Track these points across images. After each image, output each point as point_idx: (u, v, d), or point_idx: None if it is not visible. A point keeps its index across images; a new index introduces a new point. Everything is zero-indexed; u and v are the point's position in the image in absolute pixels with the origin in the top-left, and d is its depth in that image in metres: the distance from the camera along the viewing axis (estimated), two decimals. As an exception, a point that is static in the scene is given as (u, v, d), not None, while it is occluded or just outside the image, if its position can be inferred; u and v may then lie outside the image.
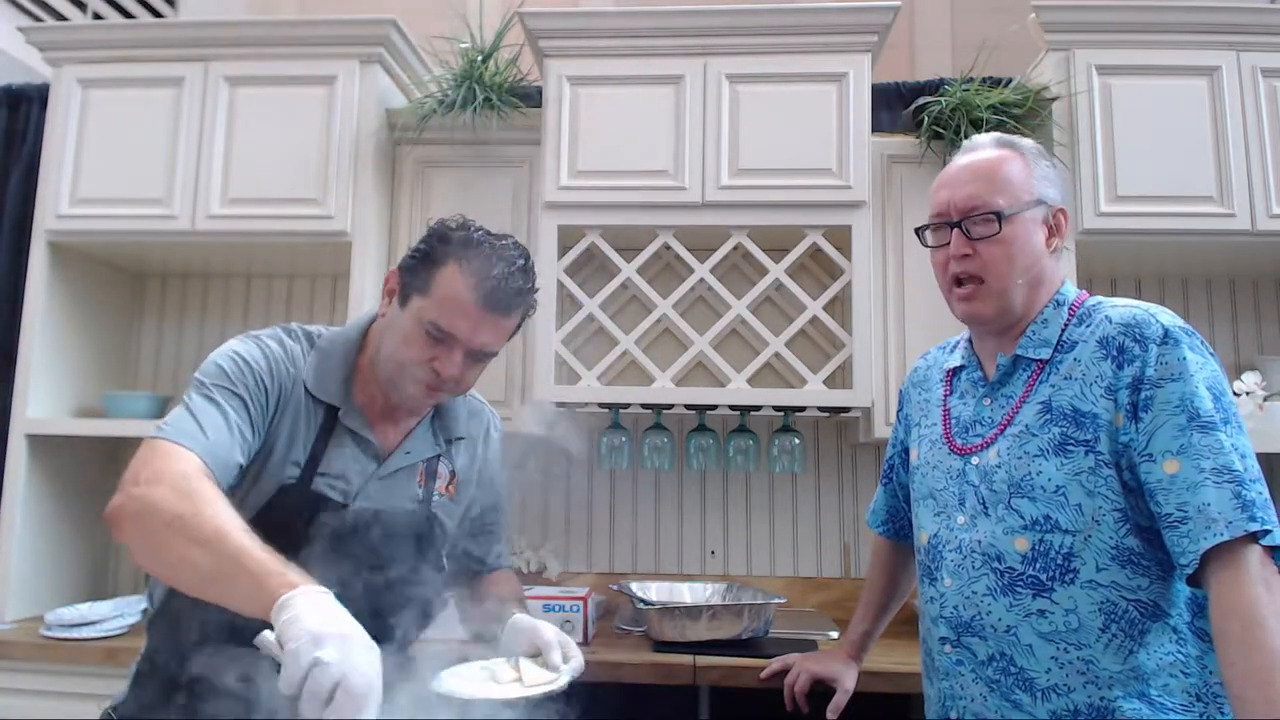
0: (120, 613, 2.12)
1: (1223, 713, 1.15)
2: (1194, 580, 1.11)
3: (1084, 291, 1.33)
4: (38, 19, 2.87)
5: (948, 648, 1.29)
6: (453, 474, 1.42)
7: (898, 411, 1.58)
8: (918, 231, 1.37)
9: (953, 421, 1.36)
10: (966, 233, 1.28)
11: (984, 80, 2.33)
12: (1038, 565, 1.20)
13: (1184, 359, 1.16)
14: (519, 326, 1.34)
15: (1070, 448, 1.20)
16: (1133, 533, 1.17)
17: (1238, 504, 1.08)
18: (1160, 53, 2.21)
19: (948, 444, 1.35)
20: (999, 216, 1.26)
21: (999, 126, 2.18)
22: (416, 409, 1.36)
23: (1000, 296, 1.28)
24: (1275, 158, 2.17)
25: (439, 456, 1.40)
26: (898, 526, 1.62)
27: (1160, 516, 1.13)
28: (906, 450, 1.53)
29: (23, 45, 2.51)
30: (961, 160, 1.35)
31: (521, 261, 1.29)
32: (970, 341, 1.41)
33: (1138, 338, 1.19)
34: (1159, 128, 2.19)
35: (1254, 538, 1.06)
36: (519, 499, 2.61)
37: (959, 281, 1.30)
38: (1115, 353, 1.20)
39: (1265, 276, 2.52)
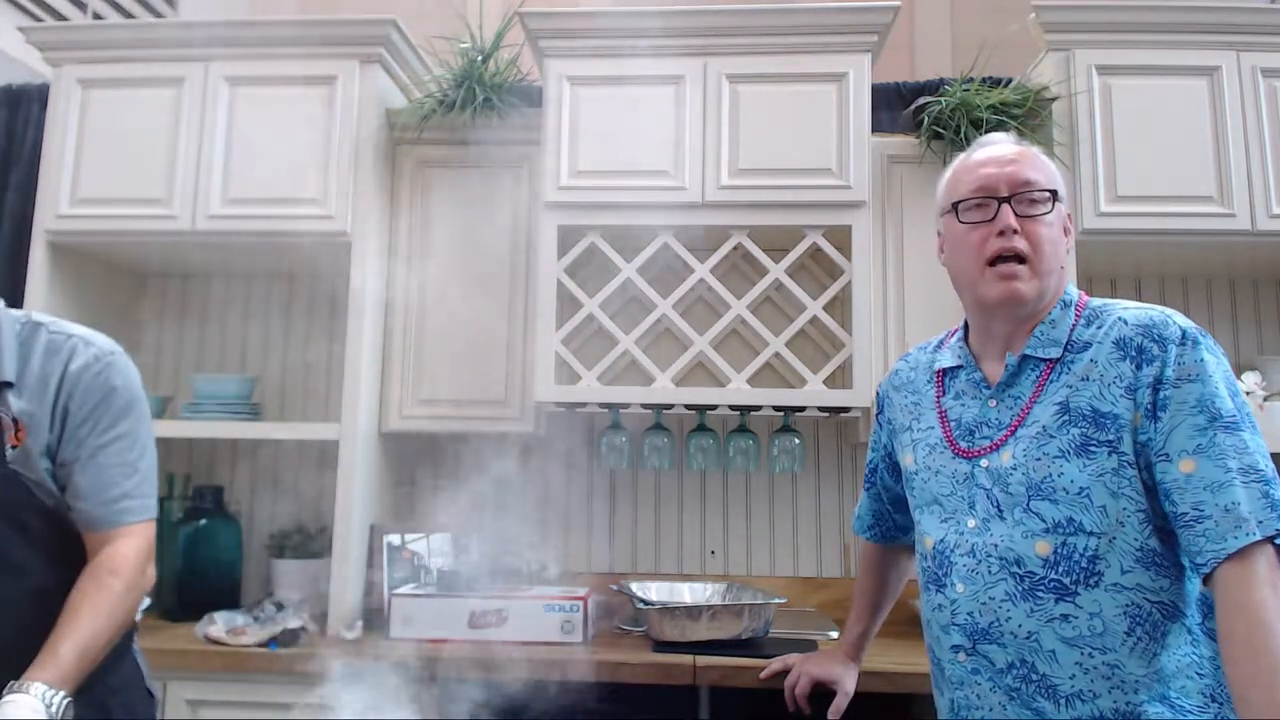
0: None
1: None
2: (1205, 580, 1.11)
3: (1083, 293, 1.33)
4: (38, 19, 2.87)
5: (961, 656, 1.27)
6: (15, 421, 1.29)
7: (876, 415, 1.55)
8: (954, 207, 1.30)
9: (953, 424, 1.34)
10: (1014, 210, 1.25)
11: (984, 80, 2.33)
12: (1060, 569, 1.18)
13: (1202, 360, 1.16)
14: None
15: (1093, 449, 1.19)
16: (1155, 534, 1.16)
17: (1267, 504, 1.08)
18: (1160, 53, 2.21)
19: (950, 447, 1.32)
20: (1054, 195, 1.26)
21: (999, 127, 2.18)
22: None
23: (1043, 279, 1.25)
24: (1275, 158, 2.17)
25: None
26: (884, 530, 1.61)
27: (1175, 516, 1.12)
28: (889, 454, 1.52)
29: (23, 45, 2.50)
30: (993, 148, 1.32)
31: None
32: (965, 340, 1.38)
33: (1156, 338, 1.18)
34: (1159, 128, 2.19)
35: (1268, 539, 1.07)
36: (518, 499, 2.62)
37: (997, 260, 1.25)
38: (1134, 353, 1.19)
39: (1265, 276, 2.52)
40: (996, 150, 1.32)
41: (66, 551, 1.32)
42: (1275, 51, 2.21)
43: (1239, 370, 2.36)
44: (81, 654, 1.23)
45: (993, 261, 1.26)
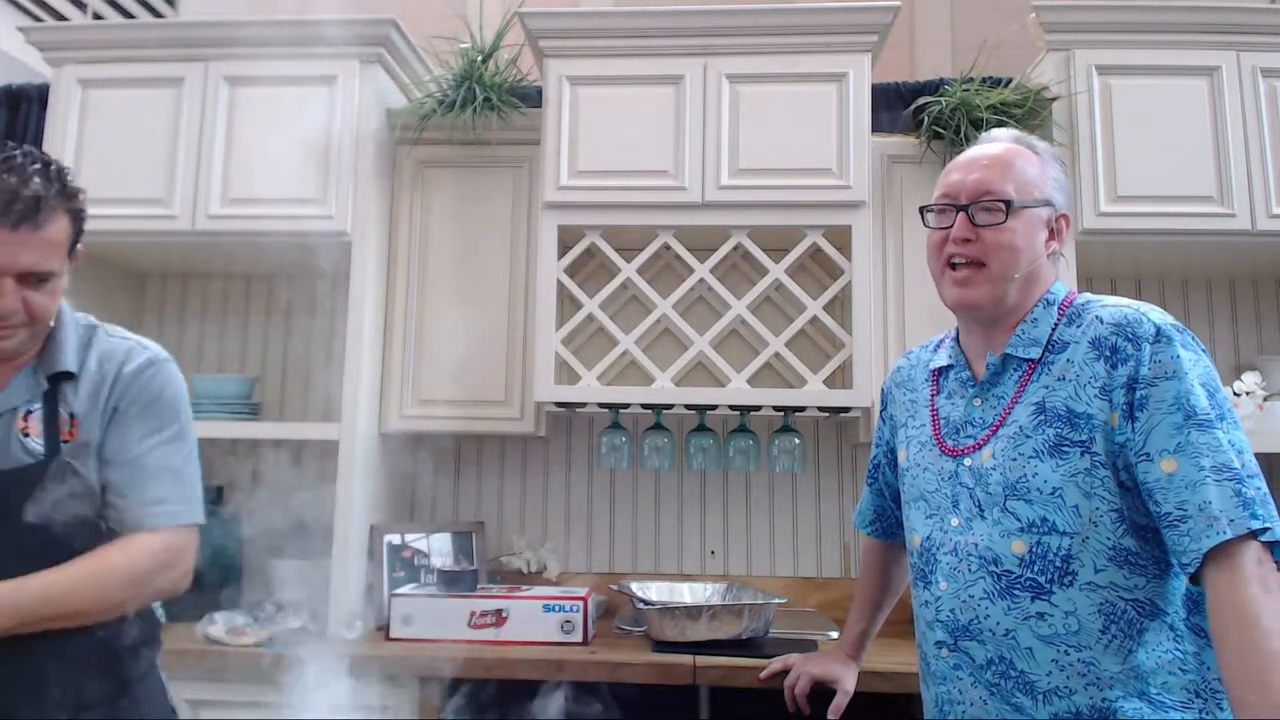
0: (120, 613, 2.12)
1: (1221, 709, 1.15)
2: (1194, 578, 1.11)
3: (1072, 290, 1.33)
4: (38, 19, 2.87)
5: (944, 651, 1.29)
6: (72, 416, 1.32)
7: (880, 411, 1.58)
8: (922, 211, 1.35)
9: (942, 422, 1.35)
10: (971, 218, 1.27)
11: (984, 80, 2.33)
12: (1035, 568, 1.19)
13: (1177, 357, 1.16)
14: (74, 238, 1.35)
15: (1066, 449, 1.19)
16: (1129, 533, 1.17)
17: (1238, 502, 1.07)
18: (1160, 53, 2.21)
19: (939, 445, 1.34)
20: (1008, 205, 1.26)
21: (999, 126, 2.18)
22: (7, 352, 1.30)
23: (996, 284, 1.27)
24: (1275, 158, 2.17)
25: (54, 399, 1.31)
26: (885, 526, 1.62)
27: (1160, 516, 1.13)
28: (892, 450, 1.53)
29: (23, 45, 2.50)
30: (978, 149, 1.34)
31: (26, 163, 1.25)
32: (957, 340, 1.40)
33: (1130, 337, 1.18)
34: (1159, 128, 2.19)
35: (1252, 535, 1.06)
36: (518, 497, 2.62)
37: (953, 265, 1.29)
38: (1108, 353, 1.19)
39: (1265, 276, 2.52)
40: (976, 152, 1.34)
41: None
42: (1275, 51, 2.21)
43: (1239, 370, 2.36)
44: (44, 593, 1.21)
45: (949, 264, 1.30)
